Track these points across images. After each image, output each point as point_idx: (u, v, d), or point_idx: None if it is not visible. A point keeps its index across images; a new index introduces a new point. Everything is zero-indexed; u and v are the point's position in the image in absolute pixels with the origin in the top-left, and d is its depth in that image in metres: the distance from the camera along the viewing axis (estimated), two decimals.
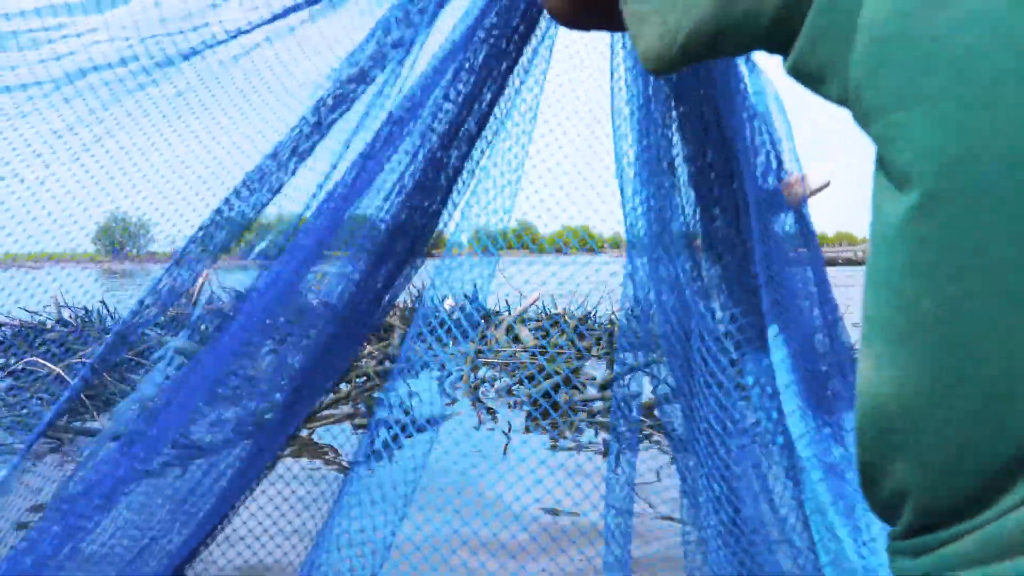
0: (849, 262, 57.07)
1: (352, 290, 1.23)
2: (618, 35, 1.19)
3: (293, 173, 1.15)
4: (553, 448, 5.15)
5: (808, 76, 0.56)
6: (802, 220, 1.23)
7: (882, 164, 0.51)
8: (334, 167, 1.20)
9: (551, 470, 1.45)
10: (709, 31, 0.59)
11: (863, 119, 0.52)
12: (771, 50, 0.60)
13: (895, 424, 0.53)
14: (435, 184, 1.19)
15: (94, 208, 1.07)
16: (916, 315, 0.51)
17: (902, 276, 0.51)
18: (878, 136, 0.51)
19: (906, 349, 0.52)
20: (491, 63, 1.13)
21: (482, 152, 1.23)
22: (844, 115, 0.58)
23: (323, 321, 1.24)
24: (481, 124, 1.20)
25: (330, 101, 1.14)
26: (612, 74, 1.21)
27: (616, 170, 1.26)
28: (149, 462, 1.14)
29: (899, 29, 0.49)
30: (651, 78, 1.16)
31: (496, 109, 1.20)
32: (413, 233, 1.21)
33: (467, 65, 1.10)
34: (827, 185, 1.19)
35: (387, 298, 1.35)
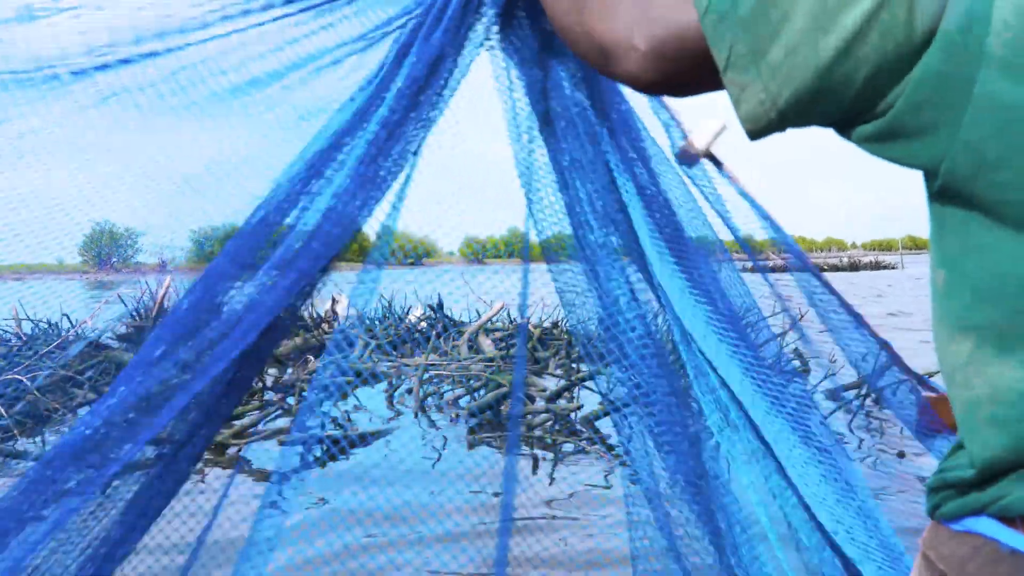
0: (835, 268, 57.93)
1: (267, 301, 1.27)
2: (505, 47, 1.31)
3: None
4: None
5: (896, 134, 0.71)
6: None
7: (1001, 206, 0.68)
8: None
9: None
10: (808, 99, 0.72)
11: (977, 169, 0.68)
12: (844, 121, 0.75)
13: None
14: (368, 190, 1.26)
15: (81, 217, 1.12)
16: None
17: None
18: (1001, 182, 0.67)
19: None
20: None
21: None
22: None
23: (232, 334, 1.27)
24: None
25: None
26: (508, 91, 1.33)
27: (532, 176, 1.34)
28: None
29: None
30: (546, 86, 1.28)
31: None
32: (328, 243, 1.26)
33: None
34: (724, 129, 1.30)
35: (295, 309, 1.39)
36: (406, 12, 1.27)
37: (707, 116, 1.33)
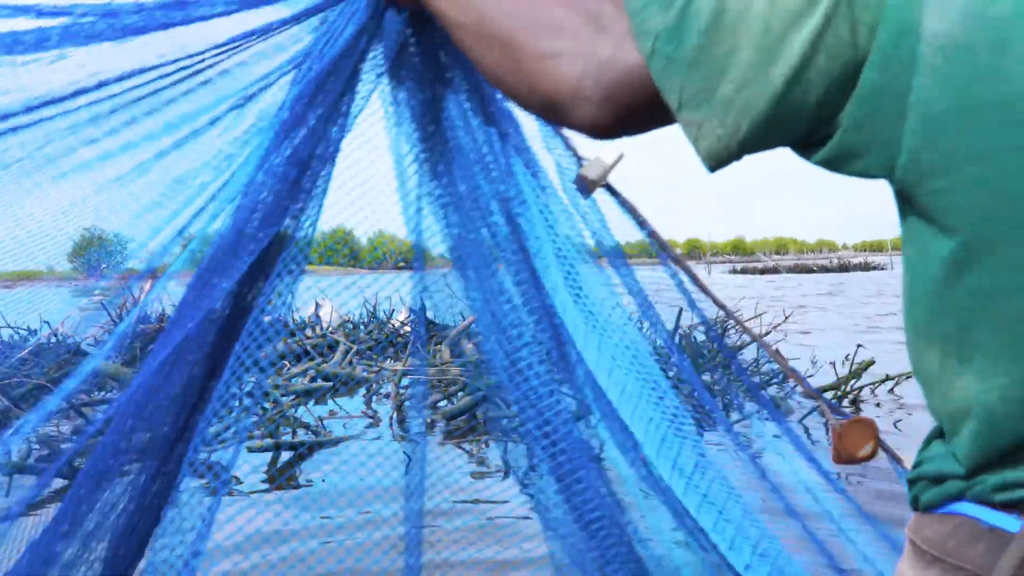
0: (825, 269, 58.38)
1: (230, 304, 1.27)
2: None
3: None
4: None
5: (847, 154, 0.73)
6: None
7: (940, 213, 0.69)
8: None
9: None
10: (765, 127, 0.74)
11: (919, 177, 0.70)
12: (801, 143, 0.77)
13: (1005, 423, 0.71)
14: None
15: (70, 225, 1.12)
16: (1020, 331, 0.69)
17: (1008, 297, 0.69)
18: (938, 189, 0.69)
19: (1011, 361, 0.70)
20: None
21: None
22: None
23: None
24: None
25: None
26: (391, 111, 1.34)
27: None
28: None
29: (954, 102, 0.66)
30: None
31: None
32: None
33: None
34: (621, 157, 1.29)
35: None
36: (291, 62, 1.25)
37: (604, 145, 1.32)
